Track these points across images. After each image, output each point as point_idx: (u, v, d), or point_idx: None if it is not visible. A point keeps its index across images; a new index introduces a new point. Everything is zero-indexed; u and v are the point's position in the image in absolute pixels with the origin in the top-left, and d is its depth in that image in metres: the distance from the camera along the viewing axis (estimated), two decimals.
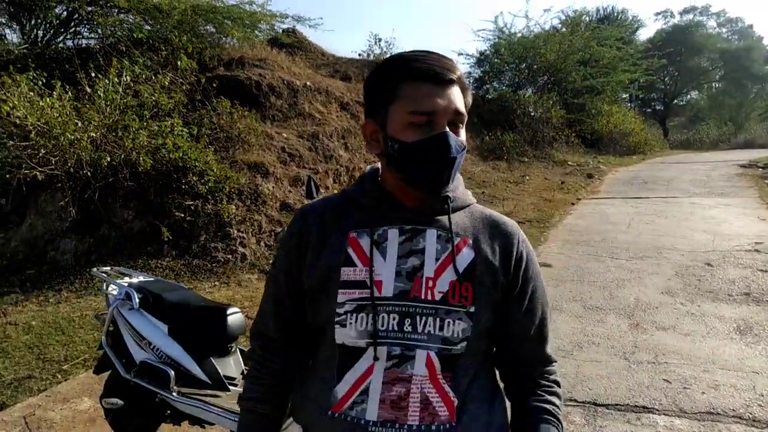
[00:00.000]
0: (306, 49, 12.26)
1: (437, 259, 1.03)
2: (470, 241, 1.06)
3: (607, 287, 5.00)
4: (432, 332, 1.00)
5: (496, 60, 17.06)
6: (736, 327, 4.02)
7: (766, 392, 3.08)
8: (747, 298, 4.60)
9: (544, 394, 1.11)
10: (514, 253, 1.09)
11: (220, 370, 2.29)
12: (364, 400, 0.99)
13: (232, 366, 2.38)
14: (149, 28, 8.37)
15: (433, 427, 0.99)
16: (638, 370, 3.41)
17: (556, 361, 1.17)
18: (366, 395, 0.99)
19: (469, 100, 1.07)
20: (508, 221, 1.14)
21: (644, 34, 30.41)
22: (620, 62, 17.72)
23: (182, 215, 5.88)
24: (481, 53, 17.60)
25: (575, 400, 3.09)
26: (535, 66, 16.57)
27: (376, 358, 0.99)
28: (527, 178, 11.89)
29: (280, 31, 11.92)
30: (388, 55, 1.06)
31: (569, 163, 13.95)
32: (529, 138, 14.47)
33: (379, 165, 1.14)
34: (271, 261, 5.55)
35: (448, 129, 0.99)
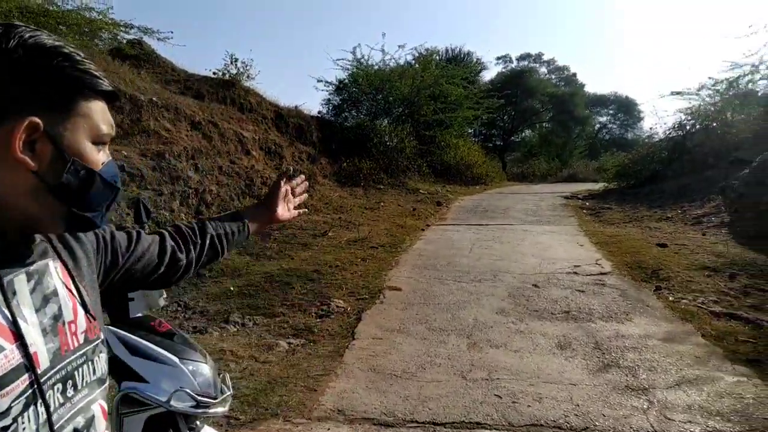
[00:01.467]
0: (154, 62, 11.54)
1: (68, 297, 0.85)
2: (68, 264, 0.90)
3: (450, 309, 5.27)
4: (89, 380, 0.86)
5: (354, 89, 17.59)
6: (557, 343, 4.43)
7: (581, 402, 3.40)
8: (567, 315, 5.11)
9: None
10: (98, 251, 1.01)
11: None
12: None
13: None
14: None
15: None
16: (474, 387, 3.61)
17: None
18: None
19: None
20: None
21: (487, 76, 33.40)
22: (466, 100, 19.25)
23: None
24: (341, 81, 18.05)
25: (416, 421, 3.17)
26: (390, 97, 17.37)
27: None
28: (382, 204, 12.31)
29: (125, 41, 11.14)
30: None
31: (421, 191, 14.71)
32: (385, 166, 15.08)
33: None
34: None
35: None
